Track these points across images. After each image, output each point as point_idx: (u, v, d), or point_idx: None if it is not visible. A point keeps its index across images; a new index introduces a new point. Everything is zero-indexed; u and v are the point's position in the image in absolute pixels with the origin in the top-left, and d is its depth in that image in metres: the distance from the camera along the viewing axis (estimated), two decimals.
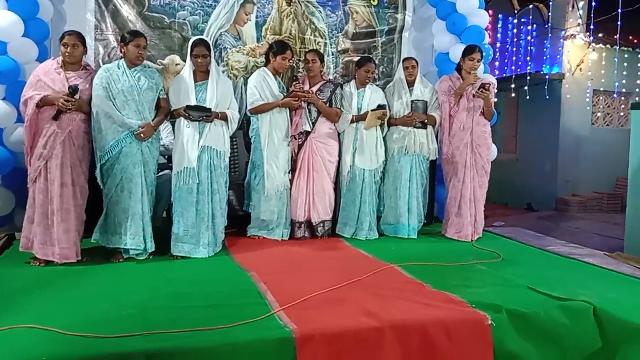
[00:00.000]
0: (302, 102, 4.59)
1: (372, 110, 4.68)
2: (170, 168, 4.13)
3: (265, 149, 4.47)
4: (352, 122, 4.76)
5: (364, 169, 4.77)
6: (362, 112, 4.77)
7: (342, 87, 4.85)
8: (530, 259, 4.21)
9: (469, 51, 4.73)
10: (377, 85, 5.14)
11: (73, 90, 3.57)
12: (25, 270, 3.56)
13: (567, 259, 4.21)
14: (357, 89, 4.86)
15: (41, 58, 4.39)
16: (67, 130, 3.64)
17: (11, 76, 4.26)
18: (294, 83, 4.66)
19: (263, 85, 4.51)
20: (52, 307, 2.82)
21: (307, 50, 5.17)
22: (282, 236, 4.60)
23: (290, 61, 4.73)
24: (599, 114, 9.97)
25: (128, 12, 4.96)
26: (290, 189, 4.65)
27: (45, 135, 3.61)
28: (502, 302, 2.91)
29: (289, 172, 4.61)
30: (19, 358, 2.22)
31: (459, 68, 4.85)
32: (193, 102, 3.99)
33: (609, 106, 10.07)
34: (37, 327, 2.47)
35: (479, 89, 4.59)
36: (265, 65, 4.65)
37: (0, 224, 4.54)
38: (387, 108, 4.78)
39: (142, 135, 3.76)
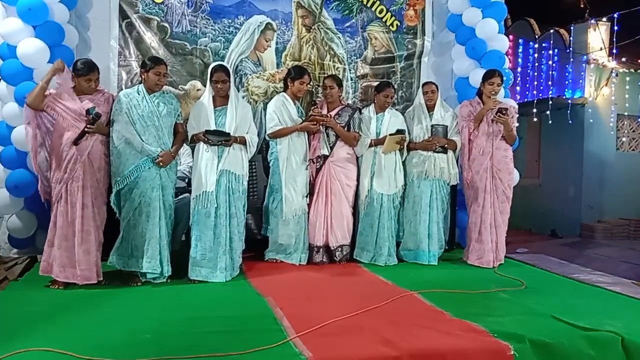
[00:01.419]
0: (321, 126, 4.60)
1: (390, 135, 4.66)
2: (190, 192, 4.16)
3: (284, 173, 4.48)
4: (370, 145, 4.74)
5: (382, 194, 4.73)
6: (380, 137, 4.76)
7: (360, 112, 4.85)
8: (554, 287, 4.11)
9: (488, 76, 4.70)
10: (396, 109, 5.13)
11: (95, 117, 3.65)
12: (44, 293, 3.59)
13: (593, 288, 4.09)
14: (376, 114, 4.86)
15: None
16: (86, 152, 3.69)
17: None
18: (312, 107, 4.68)
19: (282, 110, 4.54)
20: (69, 331, 2.83)
21: (325, 76, 5.21)
22: (300, 261, 4.57)
23: (308, 86, 4.76)
24: (624, 139, 9.79)
25: (151, 39, 5.07)
26: (308, 213, 4.64)
27: (65, 158, 3.66)
28: (525, 331, 2.83)
29: (306, 196, 4.60)
30: None
31: (479, 93, 4.82)
32: (212, 127, 4.03)
33: (634, 131, 9.88)
34: (52, 351, 2.47)
35: (496, 114, 4.57)
36: (284, 90, 4.69)
37: (22, 246, 4.60)
38: (405, 133, 4.76)
39: (161, 163, 3.82)
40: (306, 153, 4.61)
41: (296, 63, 5.35)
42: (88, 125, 3.65)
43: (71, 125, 3.67)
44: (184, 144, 4.27)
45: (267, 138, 4.69)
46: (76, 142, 3.65)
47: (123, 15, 5.00)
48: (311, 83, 4.94)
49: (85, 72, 3.73)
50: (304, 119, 4.62)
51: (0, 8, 4.49)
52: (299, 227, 4.56)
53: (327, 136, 4.66)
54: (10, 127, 4.40)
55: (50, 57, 4.37)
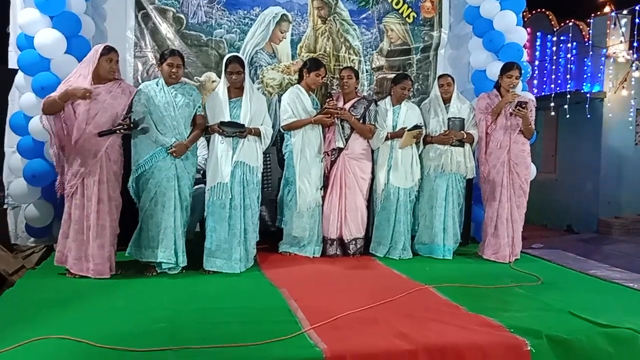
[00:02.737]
0: (335, 119, 4.58)
1: (408, 130, 4.62)
2: (205, 183, 4.16)
3: (298, 166, 4.46)
4: (387, 139, 4.71)
5: (398, 187, 4.70)
6: (397, 129, 4.72)
7: (376, 104, 4.81)
8: (571, 283, 4.06)
9: (507, 68, 4.63)
10: (412, 102, 5.08)
11: (133, 124, 3.69)
12: (60, 282, 3.62)
13: (610, 284, 4.02)
14: (393, 106, 4.82)
15: None
16: (105, 147, 3.68)
17: (53, 91, 4.37)
18: (327, 100, 4.65)
19: (296, 102, 4.52)
20: (84, 319, 2.85)
21: (341, 67, 5.18)
22: (314, 253, 4.56)
23: (324, 78, 4.73)
24: None
25: (167, 30, 5.07)
26: (323, 205, 4.62)
27: (82, 152, 3.65)
28: (542, 327, 2.80)
29: (321, 189, 4.58)
30: None
31: (497, 86, 4.75)
32: (227, 119, 4.03)
33: None
34: (69, 339, 2.49)
35: (515, 107, 4.49)
36: (299, 82, 4.67)
37: (39, 235, 4.64)
38: (423, 127, 4.72)
39: (174, 153, 3.82)
40: (320, 146, 4.59)
41: (311, 55, 5.32)
42: (121, 130, 3.66)
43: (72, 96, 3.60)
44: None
45: (281, 130, 4.67)
46: (101, 134, 3.64)
47: (139, 6, 5.01)
48: (326, 75, 4.91)
49: (105, 51, 3.71)
50: (318, 111, 4.60)
51: None
52: (313, 219, 4.55)
53: (342, 128, 4.63)
54: (27, 117, 4.42)
55: (67, 48, 4.40)
